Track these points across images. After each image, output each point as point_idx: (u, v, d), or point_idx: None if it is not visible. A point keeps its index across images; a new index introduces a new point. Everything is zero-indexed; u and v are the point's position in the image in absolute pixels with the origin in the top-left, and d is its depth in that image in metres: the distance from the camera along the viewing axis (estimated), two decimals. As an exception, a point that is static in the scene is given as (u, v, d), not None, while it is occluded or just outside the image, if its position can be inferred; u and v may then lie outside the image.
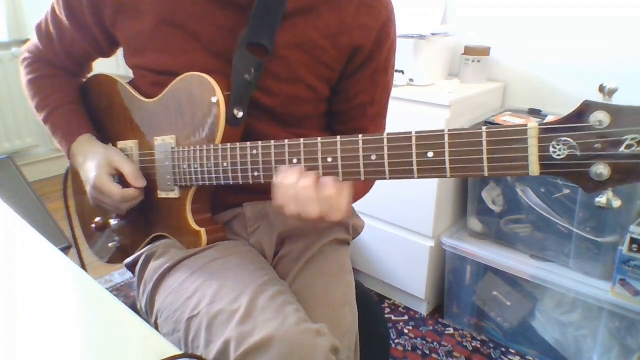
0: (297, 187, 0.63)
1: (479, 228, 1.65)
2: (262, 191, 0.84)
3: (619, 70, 1.53)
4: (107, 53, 0.90)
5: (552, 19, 1.63)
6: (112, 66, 1.26)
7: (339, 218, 0.64)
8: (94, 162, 0.82)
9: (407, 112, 1.57)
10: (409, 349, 1.62)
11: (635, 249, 1.27)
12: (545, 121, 0.50)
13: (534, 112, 1.66)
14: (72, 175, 0.99)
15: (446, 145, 0.54)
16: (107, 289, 1.45)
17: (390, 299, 1.87)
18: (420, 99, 1.55)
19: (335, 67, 0.80)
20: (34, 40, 0.92)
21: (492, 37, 1.75)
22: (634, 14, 1.47)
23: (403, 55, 1.60)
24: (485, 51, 1.72)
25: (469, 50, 1.72)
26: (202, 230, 0.79)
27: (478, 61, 1.71)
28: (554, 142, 0.48)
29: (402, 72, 1.66)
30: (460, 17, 1.81)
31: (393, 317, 1.78)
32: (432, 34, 1.63)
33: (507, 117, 1.59)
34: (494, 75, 1.79)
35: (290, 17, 0.75)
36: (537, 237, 1.52)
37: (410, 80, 1.67)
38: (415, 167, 0.56)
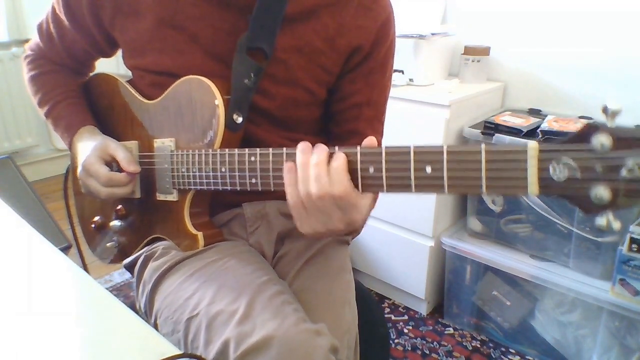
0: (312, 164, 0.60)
1: (479, 228, 1.65)
2: (262, 192, 0.84)
3: (619, 70, 1.53)
4: (107, 53, 0.90)
5: (552, 19, 1.63)
6: (113, 66, 1.26)
7: (343, 191, 0.58)
8: (90, 147, 0.81)
9: (407, 112, 1.57)
10: (409, 349, 1.62)
11: (635, 249, 1.27)
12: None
13: (534, 112, 1.66)
14: (73, 175, 0.99)
15: (444, 162, 0.53)
16: (107, 289, 1.45)
17: (390, 299, 1.87)
18: (420, 99, 1.55)
19: (334, 71, 0.80)
20: (35, 39, 0.92)
21: (492, 37, 1.75)
22: (634, 14, 1.47)
23: (403, 55, 1.60)
24: (485, 51, 1.72)
25: (469, 50, 1.72)
26: (200, 235, 0.78)
27: (478, 61, 1.71)
28: (554, 163, 0.47)
29: (402, 72, 1.66)
30: (460, 17, 1.81)
31: (393, 317, 1.78)
32: (432, 34, 1.63)
33: (507, 117, 1.59)
34: (494, 75, 1.79)
35: (290, 21, 0.75)
36: (537, 237, 1.52)
37: (410, 80, 1.67)
38: (413, 183, 0.55)
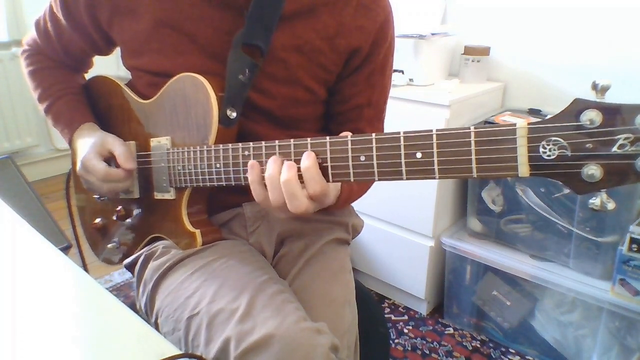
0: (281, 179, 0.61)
1: (479, 228, 1.65)
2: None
3: (619, 69, 1.53)
4: (104, 52, 0.91)
5: (552, 19, 1.63)
6: (113, 67, 1.26)
7: (320, 191, 0.60)
8: (89, 143, 0.82)
9: (407, 112, 1.57)
10: (409, 349, 1.62)
11: (635, 249, 1.27)
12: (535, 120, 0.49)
13: (534, 112, 1.66)
14: (74, 175, 0.99)
15: (434, 145, 0.52)
16: (107, 289, 1.45)
17: (390, 299, 1.87)
18: (420, 99, 1.55)
19: (333, 70, 0.80)
20: (33, 34, 0.92)
21: (492, 37, 1.75)
22: (633, 14, 1.47)
23: (403, 55, 1.60)
24: (485, 51, 1.72)
25: (469, 50, 1.72)
26: (197, 232, 0.78)
27: (478, 61, 1.71)
28: (544, 142, 0.47)
29: (402, 72, 1.66)
30: (460, 17, 1.81)
31: (393, 317, 1.78)
32: (432, 34, 1.63)
33: (507, 117, 1.59)
34: (494, 75, 1.79)
35: (288, 19, 0.75)
36: (537, 237, 1.52)
37: (410, 80, 1.67)
38: (404, 169, 0.55)
